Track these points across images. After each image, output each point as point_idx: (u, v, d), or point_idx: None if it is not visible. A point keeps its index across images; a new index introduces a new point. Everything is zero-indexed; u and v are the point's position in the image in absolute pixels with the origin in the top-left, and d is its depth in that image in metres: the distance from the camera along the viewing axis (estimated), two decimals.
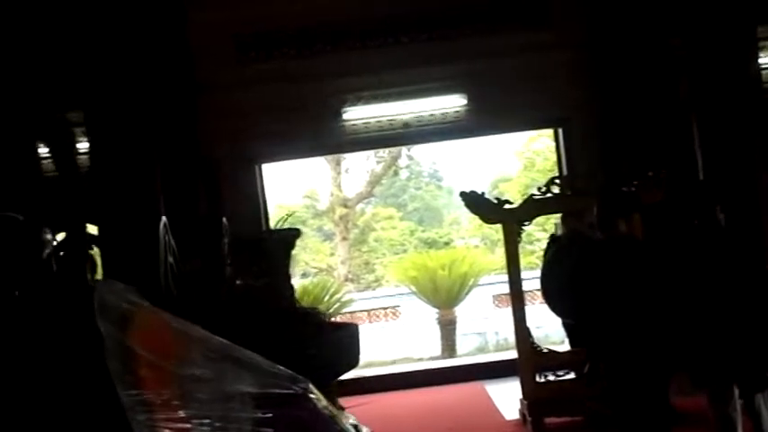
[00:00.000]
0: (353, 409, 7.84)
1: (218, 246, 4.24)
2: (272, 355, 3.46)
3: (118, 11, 7.96)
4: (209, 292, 3.71)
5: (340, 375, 4.04)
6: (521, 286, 9.25)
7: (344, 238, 27.50)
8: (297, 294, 16.70)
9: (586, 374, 8.24)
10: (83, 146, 7.36)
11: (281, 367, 1.84)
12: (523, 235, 9.48)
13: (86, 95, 8.24)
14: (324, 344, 3.55)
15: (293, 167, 23.66)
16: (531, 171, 27.51)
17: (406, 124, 11.87)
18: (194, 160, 10.69)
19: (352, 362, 3.76)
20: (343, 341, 3.68)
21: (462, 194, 9.08)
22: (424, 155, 32.10)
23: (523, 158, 28.63)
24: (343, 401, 7.24)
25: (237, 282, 4.02)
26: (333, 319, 4.13)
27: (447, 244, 29.02)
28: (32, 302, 3.35)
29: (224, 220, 4.32)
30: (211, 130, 10.95)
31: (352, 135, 11.91)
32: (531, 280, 9.00)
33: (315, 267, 27.98)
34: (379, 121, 11.89)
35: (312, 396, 1.86)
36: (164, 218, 3.57)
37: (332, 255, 28.50)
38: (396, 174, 30.35)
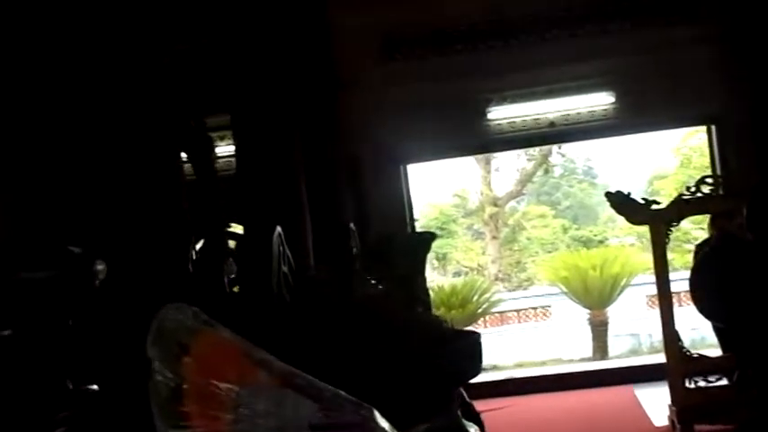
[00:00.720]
0: (492, 413, 7.80)
1: (345, 252, 4.27)
2: (391, 366, 3.46)
3: (260, 13, 8.14)
4: (329, 302, 3.74)
5: (460, 385, 4.00)
6: (669, 289, 8.95)
7: (495, 237, 27.33)
8: (445, 294, 16.76)
9: (736, 381, 7.93)
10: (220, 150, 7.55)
11: (344, 393, 1.82)
12: (680, 233, 9.18)
13: (232, 99, 8.46)
14: (444, 353, 3.52)
15: (443, 167, 23.65)
16: (687, 168, 26.67)
17: (551, 123, 11.70)
18: (338, 161, 10.83)
19: (474, 372, 3.72)
20: (465, 350, 3.63)
21: (608, 195, 8.86)
22: (577, 152, 31.55)
23: (680, 155, 27.78)
24: (482, 404, 7.20)
25: (361, 289, 4.04)
26: (455, 327, 4.09)
27: (601, 242, 28.46)
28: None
29: (351, 225, 4.34)
30: (355, 131, 11.06)
31: (497, 134, 11.83)
32: (686, 281, 8.70)
33: (466, 267, 27.94)
34: (524, 120, 11.77)
35: (376, 424, 1.83)
36: (278, 228, 3.61)
37: (483, 254, 28.37)
38: (547, 172, 29.94)
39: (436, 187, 26.58)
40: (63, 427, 2.48)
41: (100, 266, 0.95)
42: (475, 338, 3.69)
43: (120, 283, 5.19)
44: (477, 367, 3.69)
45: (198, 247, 4.55)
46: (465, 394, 6.64)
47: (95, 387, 4.99)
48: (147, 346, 1.30)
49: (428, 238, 5.96)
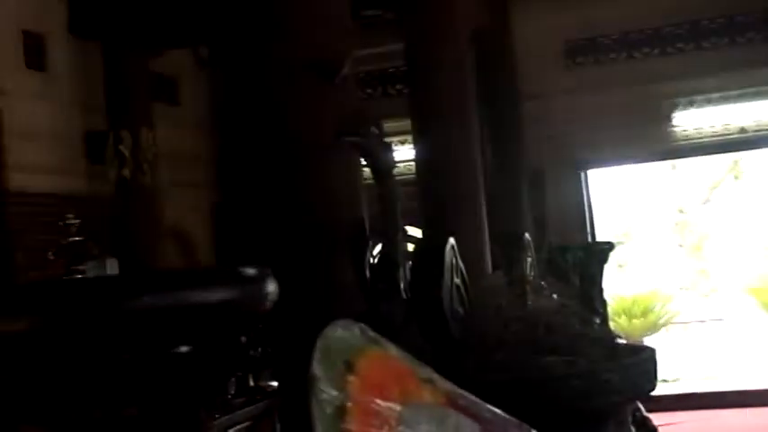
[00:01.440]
0: (670, 429, 7.58)
1: (521, 262, 4.25)
2: (562, 380, 3.43)
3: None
4: (503, 313, 3.75)
5: (634, 401, 3.91)
6: None
7: (680, 245, 26.49)
8: (626, 303, 16.37)
9: None
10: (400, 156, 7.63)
11: (502, 412, 1.81)
12: None
13: (411, 103, 8.59)
14: (618, 368, 3.46)
15: (628, 173, 23.09)
16: None
17: (742, 129, 11.25)
18: (519, 169, 10.80)
19: (648, 387, 3.63)
20: (639, 366, 3.56)
21: None
22: None
23: None
24: (661, 418, 7.02)
25: (536, 300, 4.01)
26: (627, 342, 3.99)
27: None
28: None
29: (527, 235, 4.33)
30: (537, 138, 11.02)
31: (683, 140, 11.48)
32: None
33: (649, 275, 27.22)
34: (712, 126, 11.38)
35: None
36: (451, 239, 3.64)
37: (667, 262, 27.54)
38: (737, 179, 28.77)
39: (620, 195, 26.00)
40: None
41: (272, 288, 0.98)
42: (649, 354, 3.60)
43: (295, 289, 5.35)
44: (651, 383, 3.60)
45: (376, 251, 4.63)
46: (642, 408, 6.49)
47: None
48: (311, 364, 1.34)
49: (606, 247, 5.85)
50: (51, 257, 4.96)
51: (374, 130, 4.43)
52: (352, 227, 4.49)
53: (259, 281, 0.94)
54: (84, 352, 0.74)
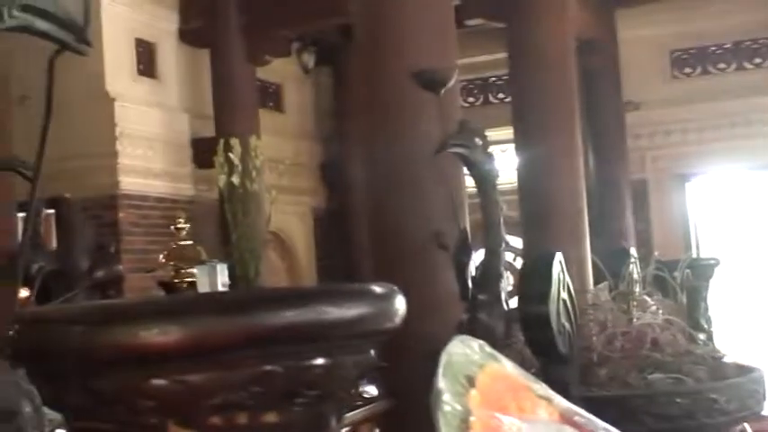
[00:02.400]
0: None
1: (625, 277, 4.20)
2: (669, 398, 3.38)
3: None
4: (606, 329, 3.71)
5: (741, 422, 3.82)
6: None
7: None
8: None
9: None
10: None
11: (616, 431, 1.80)
12: None
13: (515, 113, 8.55)
14: (724, 387, 3.39)
15: (734, 186, 22.51)
16: None
17: None
18: (623, 183, 10.65)
19: (756, 408, 3.54)
20: (746, 385, 3.48)
21: None
22: None
23: None
24: None
25: (641, 316, 3.95)
26: (734, 361, 3.91)
27: None
28: None
29: (632, 249, 4.27)
30: (640, 149, 10.87)
31: None
32: None
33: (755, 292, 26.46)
34: None
35: None
36: (558, 253, 3.61)
37: None
38: None
39: (725, 208, 25.33)
40: None
41: (401, 305, 1.00)
42: (757, 374, 3.52)
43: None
44: (759, 404, 3.52)
45: (478, 261, 4.63)
46: (749, 429, 6.33)
47: None
48: (436, 378, 1.36)
49: (712, 263, 5.75)
50: (162, 261, 5.11)
51: (478, 140, 4.43)
52: (455, 237, 4.49)
53: (390, 298, 0.97)
54: (228, 363, 0.78)
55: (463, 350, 1.43)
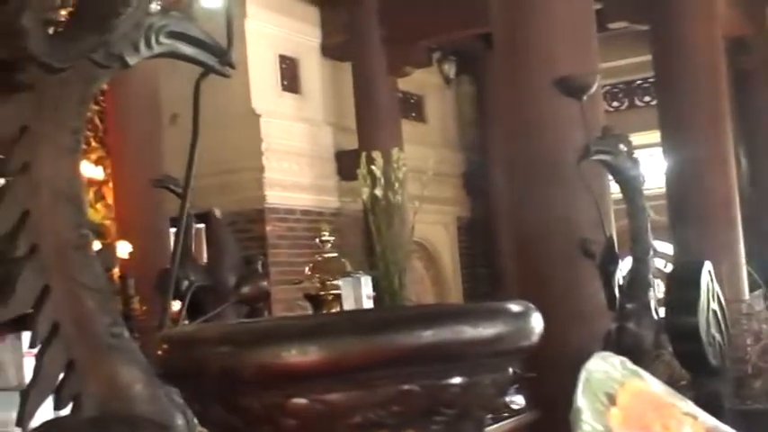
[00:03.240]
0: None
1: None
2: None
3: None
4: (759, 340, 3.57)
5: None
6: None
7: None
8: None
9: None
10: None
11: None
12: None
13: (661, 118, 8.34)
14: None
15: None
16: None
17: None
18: None
19: None
20: None
21: None
22: None
23: None
24: None
25: None
26: None
27: None
28: None
29: None
30: None
31: None
32: None
33: None
34: None
35: None
36: (707, 262, 3.49)
37: None
38: None
39: None
40: None
41: (537, 324, 0.98)
42: None
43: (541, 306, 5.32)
44: None
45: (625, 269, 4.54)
46: None
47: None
48: (575, 396, 1.33)
49: None
50: (308, 273, 5.20)
51: (622, 146, 4.34)
52: (601, 245, 4.42)
53: (527, 317, 0.96)
54: (367, 382, 0.80)
55: (603, 367, 1.40)
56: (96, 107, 6.34)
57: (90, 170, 5.85)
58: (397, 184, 4.55)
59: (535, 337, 1.00)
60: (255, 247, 8.58)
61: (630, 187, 4.40)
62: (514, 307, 0.99)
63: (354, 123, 9.31)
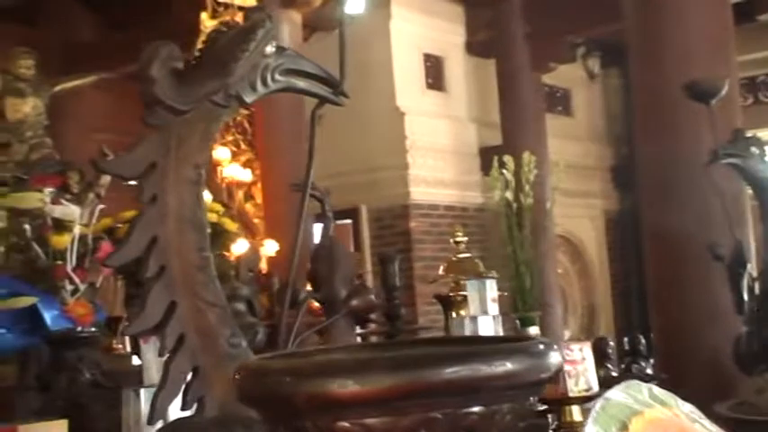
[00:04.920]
0: None
1: None
2: None
3: None
4: None
5: None
6: None
7: None
8: None
9: None
10: None
11: None
12: None
13: None
14: None
15: None
16: None
17: None
18: None
19: None
20: None
21: None
22: None
23: None
24: None
25: None
26: None
27: None
28: None
29: None
30: None
31: None
32: None
33: None
34: None
35: None
36: None
37: None
38: None
39: None
40: None
41: (555, 360, 1.04)
42: None
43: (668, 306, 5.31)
44: None
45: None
46: None
47: None
48: (585, 425, 1.42)
49: None
50: (442, 273, 5.37)
51: (754, 149, 4.33)
52: (730, 248, 4.41)
53: (544, 355, 1.10)
54: (398, 410, 0.97)
55: (624, 396, 1.47)
56: (246, 111, 6.67)
57: (239, 173, 6.18)
58: (527, 187, 4.64)
59: (552, 371, 1.13)
60: (400, 242, 8.82)
61: (762, 190, 4.37)
62: (531, 346, 1.13)
63: (498, 119, 9.41)
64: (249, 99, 2.06)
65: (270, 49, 2.10)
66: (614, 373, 6.26)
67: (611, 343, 6.66)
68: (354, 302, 2.75)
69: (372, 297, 2.87)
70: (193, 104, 1.95)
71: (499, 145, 9.00)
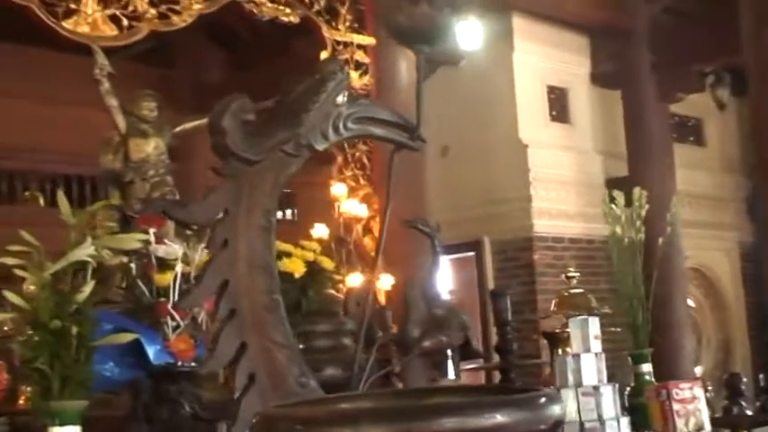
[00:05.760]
0: None
1: None
2: None
3: None
4: None
5: None
6: None
7: None
8: None
9: None
10: None
11: None
12: None
13: None
14: None
15: None
16: None
17: None
18: None
19: None
20: None
21: None
22: None
23: None
24: None
25: None
26: None
27: None
28: None
29: None
30: None
31: None
32: None
33: None
34: None
35: None
36: None
37: None
38: None
39: None
40: None
41: (554, 412, 1.03)
42: None
43: None
44: None
45: None
46: None
47: None
48: None
49: None
50: (553, 308, 5.34)
51: None
52: None
53: (538, 408, 1.13)
54: None
55: None
56: (365, 147, 6.79)
57: (356, 208, 6.29)
58: (638, 223, 4.59)
59: (550, 424, 1.15)
60: (524, 275, 8.78)
61: None
62: (526, 398, 1.15)
63: (625, 150, 9.29)
64: (320, 147, 2.15)
65: (342, 98, 2.18)
66: (749, 412, 6.07)
67: (745, 379, 6.46)
68: (426, 343, 2.80)
69: (444, 338, 2.91)
70: (265, 154, 2.05)
71: (626, 176, 8.87)
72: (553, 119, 9.30)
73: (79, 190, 8.51)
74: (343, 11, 6.82)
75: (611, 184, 9.40)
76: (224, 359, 1.99)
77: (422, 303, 2.96)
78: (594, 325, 4.02)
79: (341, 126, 2.17)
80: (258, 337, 2.01)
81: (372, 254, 6.67)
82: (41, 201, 8.98)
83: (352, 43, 6.82)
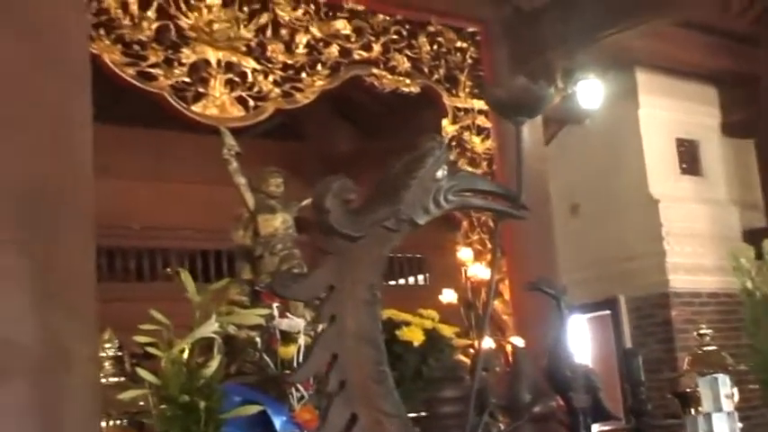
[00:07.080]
0: None
1: None
2: None
3: None
4: None
5: None
6: None
7: None
8: None
9: None
10: None
11: None
12: None
13: None
14: None
15: None
16: None
17: None
18: None
19: None
20: None
21: None
22: None
23: None
24: None
25: None
26: None
27: None
28: None
29: None
30: None
31: None
32: None
33: None
34: None
35: None
36: None
37: None
38: None
39: None
40: None
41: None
42: None
43: None
44: None
45: None
46: None
47: None
48: None
49: None
50: (687, 367, 5.23)
51: None
52: None
53: None
54: None
55: None
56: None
57: (483, 271, 6.31)
58: None
59: None
60: (661, 332, 8.60)
61: None
62: None
63: (761, 200, 9.03)
64: (422, 221, 2.21)
65: (441, 173, 2.24)
66: None
67: None
68: (536, 409, 2.80)
69: (553, 404, 2.90)
70: (366, 231, 2.13)
71: (764, 227, 8.62)
72: (684, 171, 9.16)
73: (216, 265, 8.79)
74: (462, 78, 6.91)
75: (749, 235, 9.15)
76: (335, 431, 2.05)
77: (531, 368, 2.97)
78: (725, 384, 3.94)
79: (441, 199, 2.23)
80: (368, 408, 2.06)
81: (504, 317, 6.68)
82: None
83: (472, 109, 6.90)
